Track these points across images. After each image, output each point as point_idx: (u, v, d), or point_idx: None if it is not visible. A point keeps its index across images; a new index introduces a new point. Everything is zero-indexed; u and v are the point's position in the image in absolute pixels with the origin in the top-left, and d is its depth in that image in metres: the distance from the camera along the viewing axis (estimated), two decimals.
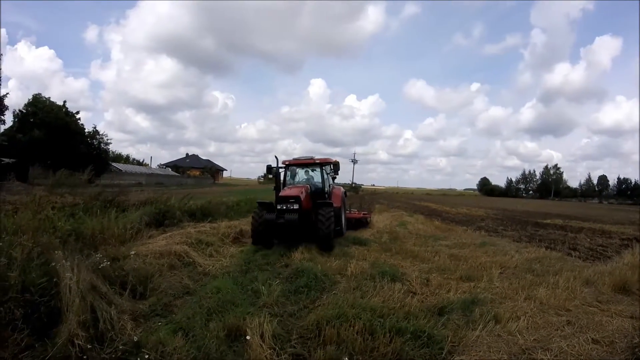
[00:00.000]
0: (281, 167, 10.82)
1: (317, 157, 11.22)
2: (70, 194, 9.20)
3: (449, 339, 4.14)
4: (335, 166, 11.19)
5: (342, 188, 12.31)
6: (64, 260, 4.25)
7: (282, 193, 9.33)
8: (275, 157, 10.22)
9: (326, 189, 10.92)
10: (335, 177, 11.80)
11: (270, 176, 10.22)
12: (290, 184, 10.93)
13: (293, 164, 11.32)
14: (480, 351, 3.96)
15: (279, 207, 8.97)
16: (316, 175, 11.33)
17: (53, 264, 4.22)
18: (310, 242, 9.03)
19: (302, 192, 9.24)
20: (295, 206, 8.86)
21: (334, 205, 9.99)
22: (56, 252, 4.58)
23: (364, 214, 15.13)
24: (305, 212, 9.13)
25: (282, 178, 10.86)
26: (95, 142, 40.59)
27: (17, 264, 3.98)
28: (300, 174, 11.58)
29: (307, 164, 11.26)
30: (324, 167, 11.17)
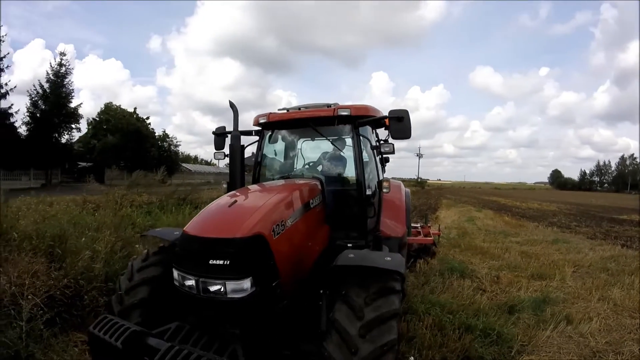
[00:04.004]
0: (250, 134, 4.47)
1: (341, 104, 3.93)
2: (146, 193, 9.94)
3: (519, 338, 4.09)
4: (401, 126, 3.46)
5: (402, 185, 5.30)
6: None
7: (194, 233, 2.40)
8: (231, 103, 3.47)
9: (368, 192, 3.84)
10: (388, 159, 4.64)
11: (221, 157, 4.12)
12: (266, 179, 4.41)
13: (280, 121, 4.18)
14: (550, 352, 3.89)
15: (178, 278, 2.44)
16: (342, 154, 4.29)
17: (134, 256, 4.62)
18: None
19: (284, 216, 2.80)
20: (243, 287, 2.28)
21: (398, 238, 4.08)
22: (136, 245, 5.01)
23: (428, 228, 8.07)
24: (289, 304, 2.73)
25: (256, 157, 4.41)
26: (166, 145, 43.34)
27: (101, 256, 4.43)
28: (303, 147, 4.93)
29: (319, 119, 3.92)
30: (360, 131, 3.91)
